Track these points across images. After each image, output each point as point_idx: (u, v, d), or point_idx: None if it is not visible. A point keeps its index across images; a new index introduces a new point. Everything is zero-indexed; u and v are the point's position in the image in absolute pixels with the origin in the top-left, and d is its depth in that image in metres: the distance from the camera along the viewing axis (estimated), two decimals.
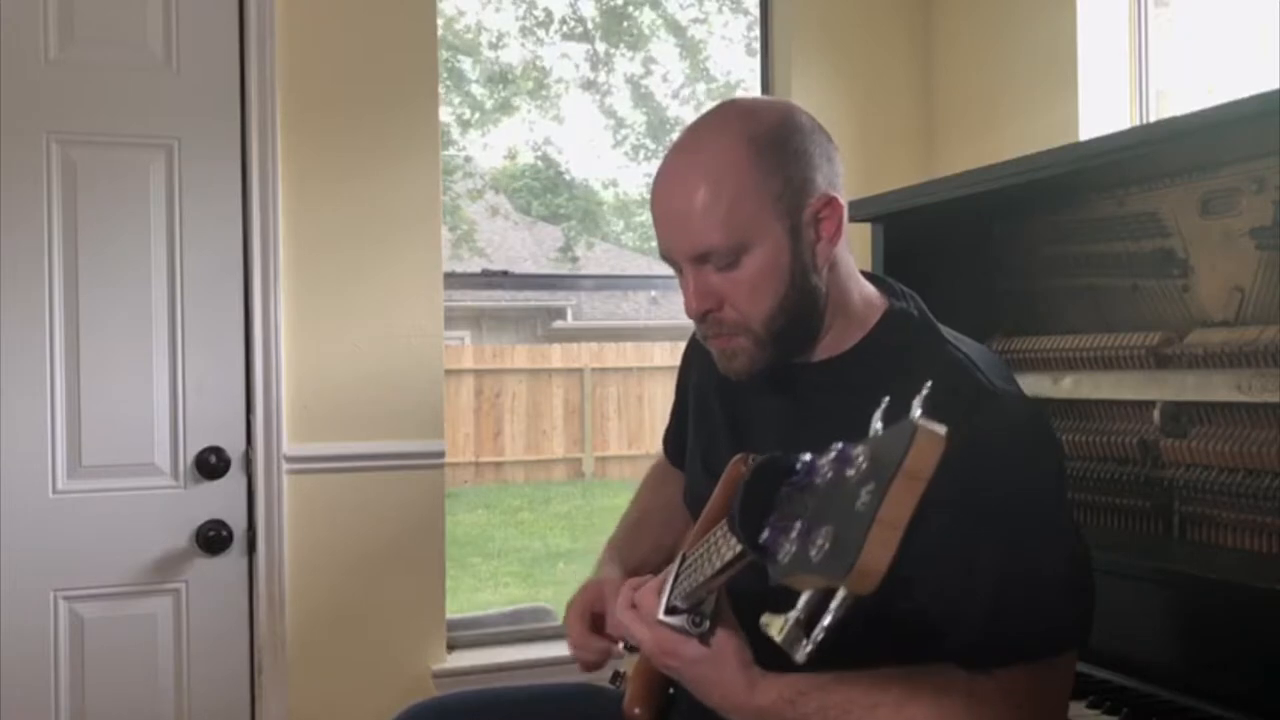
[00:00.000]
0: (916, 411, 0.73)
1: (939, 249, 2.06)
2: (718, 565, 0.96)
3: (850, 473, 0.74)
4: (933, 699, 1.04)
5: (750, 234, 1.14)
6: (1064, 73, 2.40)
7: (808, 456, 0.80)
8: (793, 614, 0.79)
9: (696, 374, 1.41)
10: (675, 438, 1.51)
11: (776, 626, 0.81)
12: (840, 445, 0.76)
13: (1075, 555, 1.12)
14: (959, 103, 2.72)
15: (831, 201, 1.17)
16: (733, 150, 1.14)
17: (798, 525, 0.77)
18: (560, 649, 2.46)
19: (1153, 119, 2.39)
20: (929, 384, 0.75)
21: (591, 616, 1.36)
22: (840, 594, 0.74)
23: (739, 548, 0.89)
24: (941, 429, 0.72)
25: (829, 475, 0.76)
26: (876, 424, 0.78)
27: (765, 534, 0.81)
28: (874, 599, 0.73)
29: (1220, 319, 1.71)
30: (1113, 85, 2.41)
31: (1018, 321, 2.07)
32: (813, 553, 0.74)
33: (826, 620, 0.75)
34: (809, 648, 0.79)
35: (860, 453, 0.74)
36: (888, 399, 0.79)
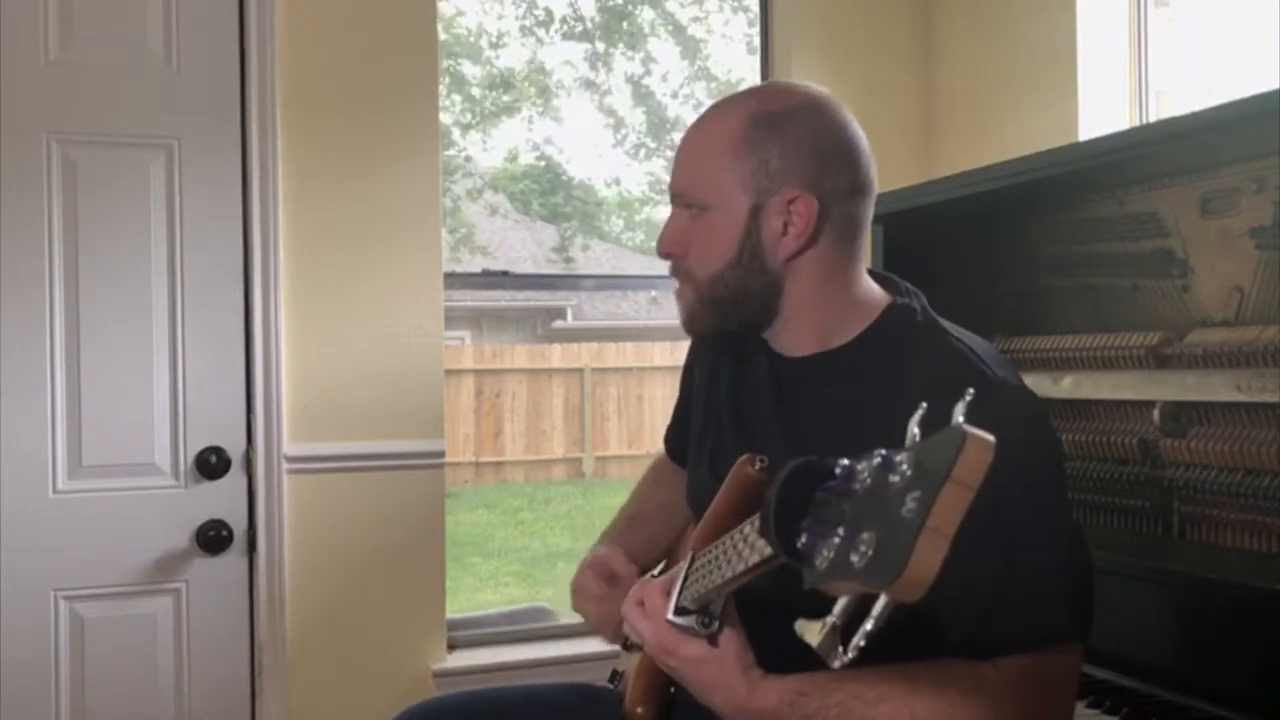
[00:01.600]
0: (960, 418, 0.72)
1: (939, 249, 2.05)
2: (740, 569, 0.94)
3: (894, 479, 0.73)
4: (936, 691, 1.03)
5: (711, 196, 1.20)
6: (1063, 73, 2.40)
7: (846, 461, 0.79)
8: (830, 619, 0.78)
9: (701, 372, 1.41)
10: (677, 433, 1.52)
11: (813, 632, 0.79)
12: (883, 451, 0.75)
13: (1073, 548, 1.12)
14: (959, 103, 2.72)
15: (805, 199, 1.17)
16: (734, 119, 1.21)
17: (838, 531, 0.75)
18: (560, 649, 2.47)
19: (1153, 119, 2.39)
20: (971, 391, 0.74)
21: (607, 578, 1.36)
22: (882, 601, 0.73)
23: (768, 551, 0.88)
24: (990, 437, 0.70)
25: (869, 481, 0.75)
26: (914, 430, 0.76)
27: (803, 538, 0.79)
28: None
29: (1220, 319, 1.71)
30: (1112, 85, 2.41)
31: (1018, 321, 2.07)
32: (854, 559, 0.72)
33: (869, 626, 0.74)
34: (848, 655, 0.77)
35: (904, 459, 0.73)
36: (925, 405, 0.77)
